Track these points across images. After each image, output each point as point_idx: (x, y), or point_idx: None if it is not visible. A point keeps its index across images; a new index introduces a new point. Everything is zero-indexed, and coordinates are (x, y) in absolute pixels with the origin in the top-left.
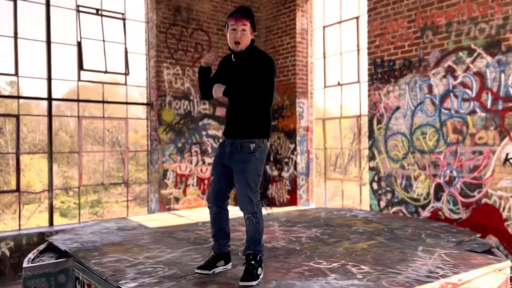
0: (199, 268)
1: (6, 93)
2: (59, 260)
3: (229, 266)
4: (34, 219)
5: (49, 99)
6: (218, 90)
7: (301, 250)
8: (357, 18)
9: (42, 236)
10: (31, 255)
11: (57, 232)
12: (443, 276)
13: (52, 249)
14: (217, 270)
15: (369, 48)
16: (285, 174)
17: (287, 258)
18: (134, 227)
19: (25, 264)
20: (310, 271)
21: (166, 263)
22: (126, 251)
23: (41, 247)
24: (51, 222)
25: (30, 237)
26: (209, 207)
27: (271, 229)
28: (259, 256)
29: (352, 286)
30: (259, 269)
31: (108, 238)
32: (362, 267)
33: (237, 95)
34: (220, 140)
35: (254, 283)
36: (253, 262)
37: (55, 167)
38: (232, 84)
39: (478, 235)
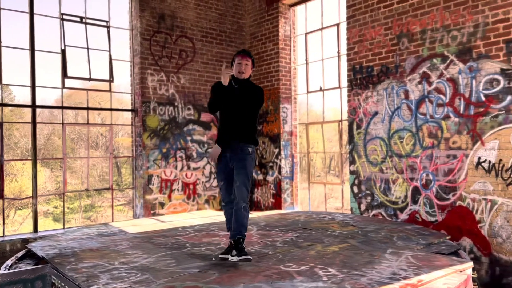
0: (221, 254)
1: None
2: (36, 267)
3: None
4: (27, 225)
5: (33, 106)
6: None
7: (274, 254)
8: (337, 25)
9: (25, 243)
10: (9, 262)
11: (40, 238)
12: (405, 278)
13: (31, 255)
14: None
15: (348, 55)
16: (270, 178)
17: (259, 262)
18: (115, 232)
19: (1, 271)
20: (279, 274)
21: (140, 268)
22: (102, 256)
23: (20, 254)
24: (35, 229)
25: (14, 243)
26: (223, 206)
27: (249, 233)
28: (244, 238)
29: None
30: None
31: (87, 244)
32: (329, 269)
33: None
34: (206, 146)
35: (250, 257)
36: (243, 245)
37: (48, 172)
38: (231, 107)
39: (448, 237)
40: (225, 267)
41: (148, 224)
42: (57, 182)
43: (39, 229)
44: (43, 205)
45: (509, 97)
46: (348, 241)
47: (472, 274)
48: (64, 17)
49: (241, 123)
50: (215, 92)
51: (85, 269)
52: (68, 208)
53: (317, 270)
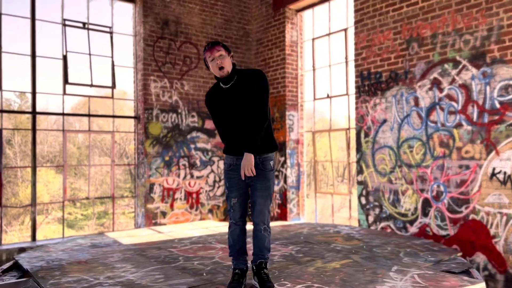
0: (253, 277)
1: (16, 105)
2: (19, 280)
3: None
4: (41, 231)
5: (33, 112)
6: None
7: (270, 270)
8: (345, 30)
9: (23, 252)
10: None
11: (37, 247)
12: None
13: (18, 267)
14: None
15: (356, 60)
16: (275, 188)
17: (252, 280)
18: (108, 243)
19: None
20: None
21: (125, 284)
22: (89, 270)
23: (6, 265)
24: (33, 237)
25: (10, 252)
26: (233, 224)
27: (248, 246)
28: (266, 261)
29: None
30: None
31: (76, 255)
32: None
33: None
34: (210, 154)
35: None
36: (266, 270)
37: (62, 178)
38: (231, 112)
39: (459, 254)
40: (215, 284)
41: (144, 235)
42: (71, 189)
43: (45, 237)
44: (57, 212)
45: None
46: (351, 256)
47: None
48: (66, 22)
49: (250, 129)
50: (208, 108)
51: (68, 284)
52: (81, 215)
53: None
